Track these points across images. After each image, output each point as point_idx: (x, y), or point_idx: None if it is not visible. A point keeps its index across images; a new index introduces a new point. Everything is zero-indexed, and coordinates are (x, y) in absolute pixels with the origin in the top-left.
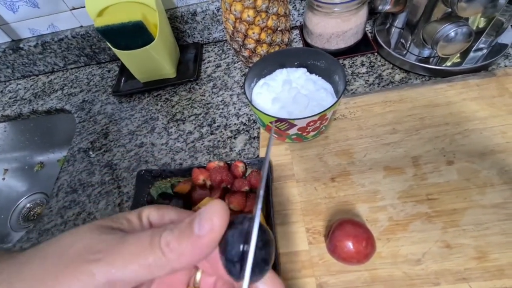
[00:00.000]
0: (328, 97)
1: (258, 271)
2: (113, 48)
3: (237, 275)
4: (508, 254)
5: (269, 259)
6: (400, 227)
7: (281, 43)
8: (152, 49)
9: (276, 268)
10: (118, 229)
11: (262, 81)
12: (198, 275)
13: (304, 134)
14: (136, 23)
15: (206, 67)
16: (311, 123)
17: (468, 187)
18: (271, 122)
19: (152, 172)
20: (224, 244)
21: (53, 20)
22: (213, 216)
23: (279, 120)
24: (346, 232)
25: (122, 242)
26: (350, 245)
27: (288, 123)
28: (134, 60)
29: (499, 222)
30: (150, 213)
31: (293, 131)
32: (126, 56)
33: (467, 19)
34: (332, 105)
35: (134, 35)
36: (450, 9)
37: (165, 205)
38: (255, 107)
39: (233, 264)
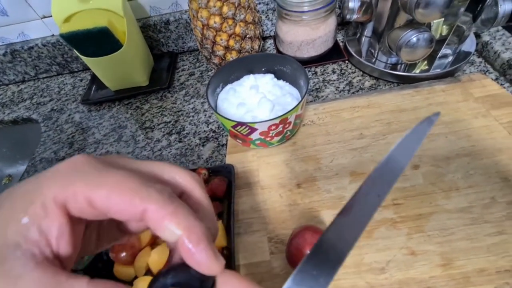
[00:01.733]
0: (294, 102)
1: None
2: (79, 55)
3: None
4: (473, 261)
5: None
6: (364, 233)
7: (251, 50)
8: (120, 56)
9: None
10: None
11: (228, 86)
12: None
13: (268, 139)
14: (102, 29)
15: (180, 76)
16: (273, 127)
17: (433, 192)
18: (232, 127)
19: None
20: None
21: (23, 29)
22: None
23: (240, 124)
24: (305, 240)
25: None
26: (307, 253)
27: (249, 127)
28: (103, 67)
29: (464, 226)
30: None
31: (255, 135)
32: (93, 63)
33: (429, 26)
34: (293, 108)
35: (100, 41)
36: (411, 16)
37: None
38: (216, 112)
39: None
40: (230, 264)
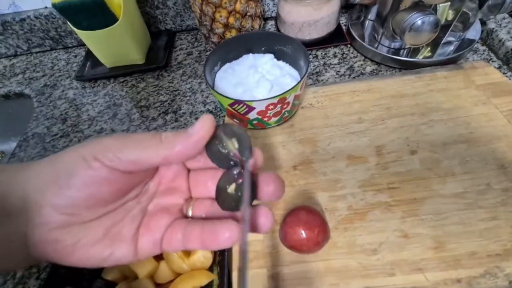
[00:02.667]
0: (293, 83)
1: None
2: (73, 28)
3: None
4: (465, 244)
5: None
6: (358, 216)
7: (251, 30)
8: (115, 31)
9: (225, 258)
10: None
11: (227, 65)
12: (190, 210)
13: (265, 119)
14: (96, 1)
15: (177, 55)
16: (271, 107)
17: (429, 177)
18: (229, 105)
19: None
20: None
21: None
22: (204, 121)
23: (237, 102)
24: (298, 219)
25: (134, 134)
26: (301, 232)
27: (246, 105)
28: (97, 42)
29: (458, 211)
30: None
31: (252, 115)
32: (87, 37)
33: (435, 9)
34: (292, 88)
35: (95, 14)
36: None
37: None
38: (214, 90)
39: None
40: None
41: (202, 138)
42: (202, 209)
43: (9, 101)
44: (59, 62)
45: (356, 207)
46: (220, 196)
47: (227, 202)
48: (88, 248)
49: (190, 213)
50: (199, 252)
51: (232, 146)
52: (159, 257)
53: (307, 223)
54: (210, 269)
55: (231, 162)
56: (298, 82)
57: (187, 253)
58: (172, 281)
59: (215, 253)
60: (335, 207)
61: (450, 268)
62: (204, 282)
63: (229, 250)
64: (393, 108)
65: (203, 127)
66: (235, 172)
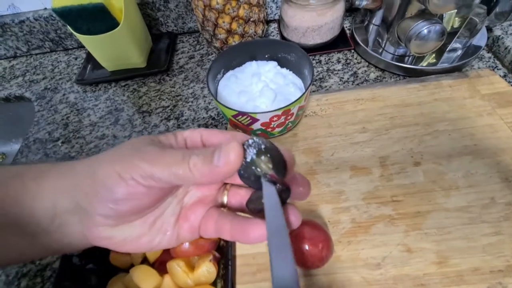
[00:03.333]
0: (297, 92)
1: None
2: (74, 32)
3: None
4: (468, 260)
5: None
6: (362, 229)
7: (254, 35)
8: (116, 35)
9: (229, 272)
10: (167, 144)
11: (230, 72)
12: (225, 197)
13: (269, 130)
14: (97, 5)
15: (179, 58)
16: (275, 118)
17: (433, 189)
18: (233, 116)
19: None
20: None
21: (14, 0)
22: (230, 152)
23: (241, 114)
24: (303, 235)
25: (162, 152)
26: (305, 247)
27: (250, 117)
28: (98, 46)
29: (462, 226)
30: (188, 137)
31: (256, 126)
32: (88, 42)
33: (441, 18)
34: (296, 100)
35: (96, 19)
36: (423, 6)
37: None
38: (217, 100)
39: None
40: (227, 254)
41: (231, 171)
42: (238, 198)
43: (9, 104)
44: (60, 64)
45: (360, 220)
46: (251, 205)
47: (258, 212)
48: (137, 241)
49: (225, 201)
50: (204, 266)
51: (265, 166)
52: (163, 271)
53: (311, 238)
54: (214, 283)
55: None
56: (303, 94)
57: (192, 267)
58: None
59: (219, 266)
60: (338, 219)
61: (453, 284)
62: None
63: (233, 264)
64: (397, 118)
65: (233, 159)
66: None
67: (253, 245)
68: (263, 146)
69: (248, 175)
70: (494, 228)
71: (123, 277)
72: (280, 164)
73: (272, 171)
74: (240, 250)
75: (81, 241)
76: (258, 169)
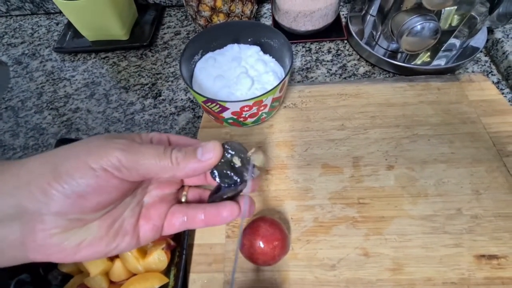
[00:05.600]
0: (275, 82)
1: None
2: None
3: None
4: (423, 269)
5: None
6: (323, 229)
7: (242, 16)
8: (97, 2)
9: (182, 260)
10: (130, 139)
11: (209, 54)
12: (184, 197)
13: (241, 119)
14: None
15: (164, 33)
16: (246, 108)
17: (401, 195)
18: (203, 102)
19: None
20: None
21: None
22: (214, 149)
23: (210, 100)
24: (257, 232)
25: (139, 145)
26: (259, 244)
27: (220, 105)
28: (76, 13)
29: (423, 235)
30: (154, 136)
31: (227, 114)
32: (66, 8)
33: (438, 14)
34: (268, 91)
35: None
36: (420, 0)
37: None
38: (188, 84)
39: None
40: (182, 243)
41: (211, 165)
42: (196, 195)
43: None
44: (40, 29)
45: (322, 220)
46: (213, 198)
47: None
48: (93, 245)
49: (183, 199)
50: (155, 254)
51: (239, 166)
52: (114, 256)
53: (265, 236)
54: (167, 269)
55: (232, 181)
56: (276, 86)
57: (143, 253)
58: (126, 279)
59: (172, 254)
60: (301, 217)
61: None
62: (157, 285)
63: (189, 253)
64: (378, 118)
65: (215, 155)
66: (232, 187)
67: (212, 235)
68: (239, 149)
69: (219, 172)
70: (455, 240)
71: None
72: (247, 165)
73: (241, 170)
74: (199, 239)
75: (14, 254)
76: (228, 169)
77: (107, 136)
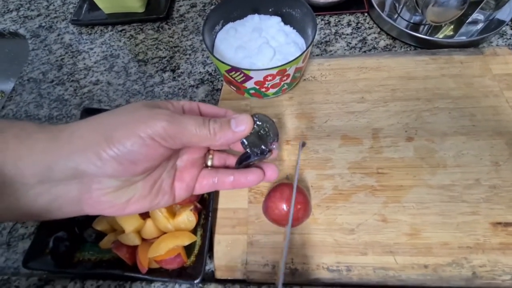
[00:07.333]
0: (297, 53)
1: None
2: None
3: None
4: (440, 234)
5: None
6: (342, 196)
7: None
8: None
9: (208, 221)
10: (165, 108)
11: (229, 25)
12: (210, 160)
13: (263, 90)
14: None
15: (180, 6)
16: (269, 78)
17: (420, 166)
18: (226, 71)
19: (99, 112)
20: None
21: None
22: (247, 121)
23: (234, 69)
24: (281, 195)
25: (181, 116)
26: (282, 207)
27: (244, 74)
28: None
29: (441, 203)
30: (185, 104)
31: (250, 84)
32: None
33: None
34: (293, 60)
35: None
36: None
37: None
38: (212, 53)
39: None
40: (208, 206)
41: (243, 136)
42: (221, 161)
43: (4, 40)
44: (55, 1)
45: (342, 188)
46: (240, 163)
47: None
48: (139, 202)
49: (209, 163)
50: (184, 214)
51: (266, 136)
52: (145, 215)
53: (288, 199)
54: (194, 230)
55: (260, 149)
56: (301, 54)
57: (173, 214)
58: (157, 237)
59: (199, 216)
60: (321, 185)
61: (420, 254)
62: (186, 242)
63: (214, 216)
64: (399, 91)
65: (247, 127)
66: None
67: (235, 200)
68: (265, 120)
69: (248, 141)
70: (472, 208)
71: (107, 217)
72: (275, 135)
73: (267, 140)
74: (223, 204)
75: (72, 208)
76: (256, 138)
77: (145, 104)
